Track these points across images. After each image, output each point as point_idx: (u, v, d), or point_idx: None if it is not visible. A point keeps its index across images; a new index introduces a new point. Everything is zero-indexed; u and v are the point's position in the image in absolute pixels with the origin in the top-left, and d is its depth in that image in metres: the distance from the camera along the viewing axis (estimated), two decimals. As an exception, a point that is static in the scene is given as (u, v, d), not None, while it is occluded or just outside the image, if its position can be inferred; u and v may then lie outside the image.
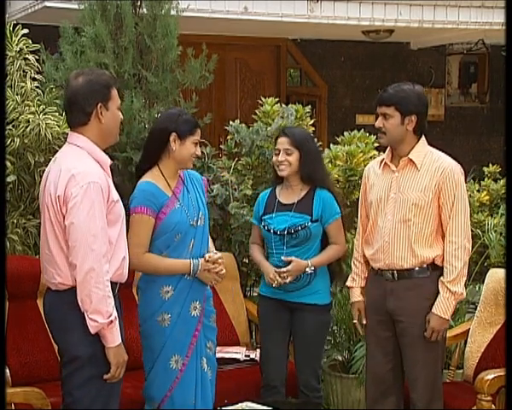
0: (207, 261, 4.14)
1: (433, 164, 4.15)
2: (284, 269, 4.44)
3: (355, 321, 4.45)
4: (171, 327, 4.10)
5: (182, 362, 4.11)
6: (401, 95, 4.14)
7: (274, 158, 4.59)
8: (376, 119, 4.22)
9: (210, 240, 4.34)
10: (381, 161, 4.32)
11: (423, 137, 4.23)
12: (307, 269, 4.44)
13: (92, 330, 3.45)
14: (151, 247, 4.10)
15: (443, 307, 4.10)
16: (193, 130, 4.16)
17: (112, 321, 3.45)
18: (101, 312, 3.43)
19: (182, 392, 4.11)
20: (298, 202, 4.52)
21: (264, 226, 4.58)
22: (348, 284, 4.49)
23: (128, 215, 3.92)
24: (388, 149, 4.30)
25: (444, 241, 4.15)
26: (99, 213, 3.44)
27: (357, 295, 4.42)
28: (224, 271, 4.20)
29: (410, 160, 4.18)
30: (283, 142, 4.53)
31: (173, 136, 4.12)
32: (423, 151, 4.20)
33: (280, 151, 4.52)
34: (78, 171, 3.45)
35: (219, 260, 4.18)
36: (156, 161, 4.16)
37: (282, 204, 4.56)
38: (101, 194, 3.46)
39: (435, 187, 4.12)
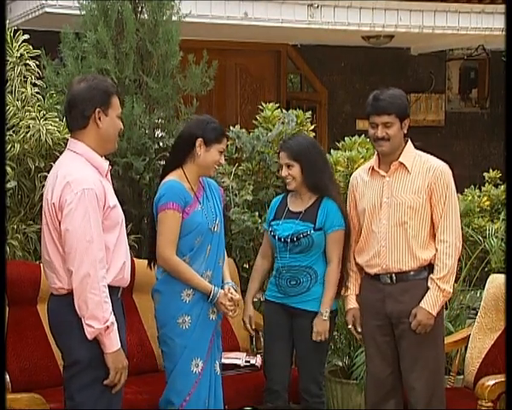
0: (226, 295, 4.21)
1: (424, 165, 4.22)
2: (314, 333, 4.41)
3: (350, 326, 4.46)
4: (191, 329, 4.13)
5: (201, 366, 4.15)
6: (397, 101, 4.22)
7: (280, 172, 4.61)
8: (373, 127, 4.22)
9: (227, 268, 4.38)
10: (369, 168, 4.34)
11: (409, 141, 4.30)
12: (324, 317, 4.42)
13: (89, 336, 3.44)
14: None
15: (431, 302, 4.14)
16: (219, 138, 4.25)
17: (108, 327, 3.44)
18: (97, 317, 3.42)
19: (198, 397, 4.14)
20: (305, 211, 4.51)
21: (270, 232, 4.59)
22: (342, 292, 4.50)
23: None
24: (375, 155, 4.34)
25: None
26: (94, 220, 3.44)
27: (352, 302, 4.43)
28: (236, 313, 4.28)
29: (401, 163, 4.23)
30: (283, 156, 4.54)
31: (199, 141, 4.19)
32: (412, 154, 4.27)
33: (283, 166, 4.54)
34: (72, 178, 3.46)
35: (236, 302, 4.24)
36: (181, 164, 4.22)
37: (291, 212, 4.56)
38: (96, 200, 3.46)
39: (428, 187, 4.17)
